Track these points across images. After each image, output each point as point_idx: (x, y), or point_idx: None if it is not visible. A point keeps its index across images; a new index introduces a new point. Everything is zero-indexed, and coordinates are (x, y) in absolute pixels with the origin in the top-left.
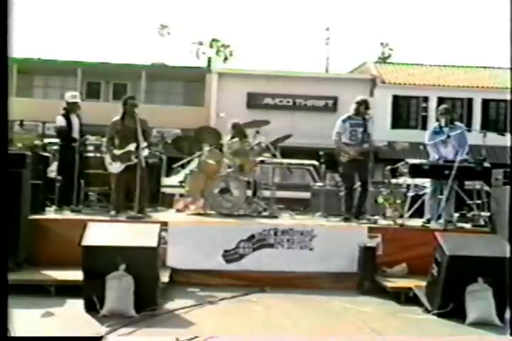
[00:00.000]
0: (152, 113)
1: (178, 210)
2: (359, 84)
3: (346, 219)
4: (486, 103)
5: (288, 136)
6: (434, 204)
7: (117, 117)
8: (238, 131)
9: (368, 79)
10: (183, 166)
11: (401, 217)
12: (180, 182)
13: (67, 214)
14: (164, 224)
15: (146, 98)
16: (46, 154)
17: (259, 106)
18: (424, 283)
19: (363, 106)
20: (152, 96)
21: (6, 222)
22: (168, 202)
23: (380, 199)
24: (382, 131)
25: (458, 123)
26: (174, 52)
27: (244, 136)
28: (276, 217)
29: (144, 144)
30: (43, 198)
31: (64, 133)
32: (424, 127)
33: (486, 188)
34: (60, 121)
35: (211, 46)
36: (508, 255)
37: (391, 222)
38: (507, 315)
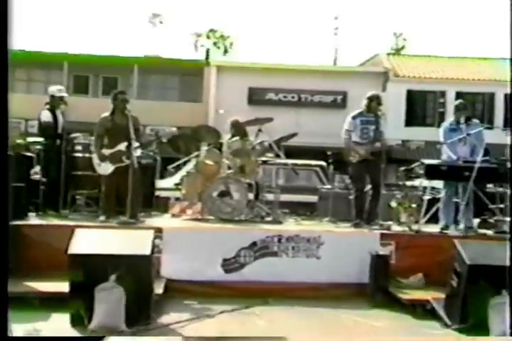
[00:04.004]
0: (145, 109)
1: (173, 215)
2: (370, 78)
3: (357, 225)
4: (509, 98)
5: (293, 135)
6: (449, 209)
7: (107, 114)
8: (239, 129)
9: (380, 73)
10: (179, 167)
11: (416, 222)
12: (176, 184)
13: (53, 220)
14: (158, 231)
15: (139, 93)
16: (29, 154)
17: (262, 102)
18: (442, 295)
19: (375, 101)
20: (145, 92)
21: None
22: (162, 206)
23: (394, 204)
24: (395, 128)
25: (475, 120)
26: (170, 44)
27: (245, 135)
28: (280, 223)
29: (136, 143)
30: (25, 202)
31: (49, 130)
32: (441, 125)
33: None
34: (46, 117)
35: (208, 37)
36: None
37: (406, 228)
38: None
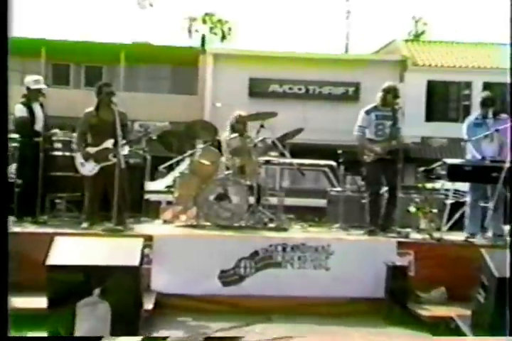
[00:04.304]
0: (134, 103)
1: (165, 221)
2: (386, 67)
3: (371, 232)
4: None
5: (299, 131)
6: (475, 214)
7: (91, 108)
8: (239, 125)
9: (397, 61)
10: (171, 167)
11: (438, 229)
12: (168, 186)
13: (29, 227)
14: (148, 239)
15: (126, 84)
16: None
17: (264, 95)
18: (468, 312)
19: (392, 94)
20: (133, 83)
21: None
22: (153, 211)
23: (413, 208)
24: (414, 124)
25: (504, 115)
26: (161, 29)
27: (245, 131)
28: (285, 230)
29: (123, 141)
30: None
31: (24, 125)
32: (465, 119)
33: None
34: (20, 111)
35: (204, 21)
36: None
37: (426, 236)
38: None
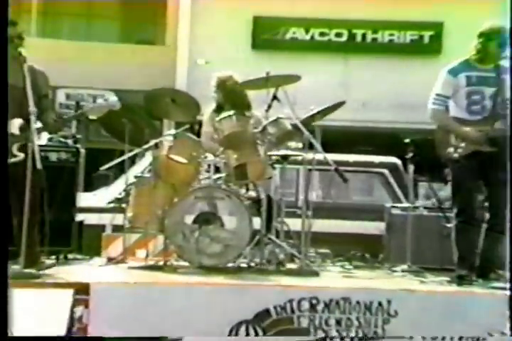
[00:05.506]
0: (57, 58)
1: (111, 260)
2: None
3: (461, 280)
4: None
5: (338, 105)
6: None
7: None
8: (234, 95)
9: None
10: (121, 168)
11: None
12: (116, 201)
13: None
14: (82, 289)
15: (44, 26)
16: None
17: (278, 45)
18: None
19: (496, 40)
20: (56, 24)
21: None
22: (91, 242)
23: None
24: None
25: None
26: None
27: (246, 107)
28: (314, 274)
29: (39, 123)
30: None
31: None
32: None
33: None
34: None
35: None
36: None
37: None
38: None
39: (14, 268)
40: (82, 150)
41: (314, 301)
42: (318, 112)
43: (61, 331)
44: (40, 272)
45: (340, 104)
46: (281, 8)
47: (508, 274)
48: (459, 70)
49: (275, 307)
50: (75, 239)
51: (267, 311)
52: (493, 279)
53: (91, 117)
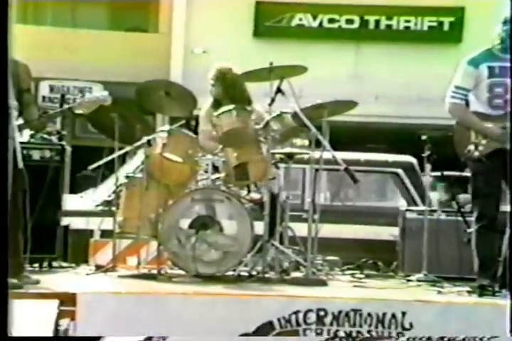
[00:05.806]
0: (42, 46)
1: (99, 268)
2: None
3: (483, 290)
4: None
5: (349, 106)
6: None
7: None
8: (233, 88)
9: None
10: (110, 168)
11: None
12: (105, 203)
13: None
14: (67, 300)
15: (27, 12)
16: None
17: (282, 33)
18: None
19: None
20: (40, 9)
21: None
22: (77, 248)
23: None
24: None
25: None
26: None
27: (246, 101)
28: (322, 284)
29: (20, 119)
30: None
31: None
32: None
33: None
34: None
35: None
36: None
37: None
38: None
39: None
40: (68, 148)
41: (322, 313)
42: (323, 105)
43: None
44: (21, 281)
45: (351, 104)
46: None
47: (508, 274)
48: (480, 61)
49: (279, 320)
50: (59, 245)
51: (270, 324)
52: None
53: (78, 112)
